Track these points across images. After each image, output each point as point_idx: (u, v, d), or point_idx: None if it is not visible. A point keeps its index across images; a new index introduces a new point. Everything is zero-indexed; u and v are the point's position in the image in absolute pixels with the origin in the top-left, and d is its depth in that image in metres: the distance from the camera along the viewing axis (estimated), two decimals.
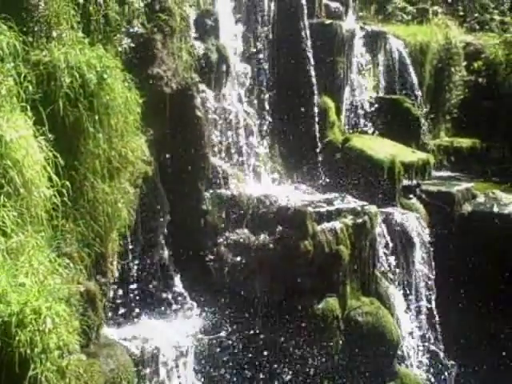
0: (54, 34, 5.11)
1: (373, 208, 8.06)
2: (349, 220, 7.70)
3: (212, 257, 6.99)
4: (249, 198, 7.31)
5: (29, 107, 4.45)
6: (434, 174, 11.08)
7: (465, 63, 14.28)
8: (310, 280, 7.26)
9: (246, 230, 7.21)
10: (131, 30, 6.07)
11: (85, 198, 5.01)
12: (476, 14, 18.39)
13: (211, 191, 7.09)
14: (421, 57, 13.07)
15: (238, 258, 7.03)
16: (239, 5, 8.30)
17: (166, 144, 6.49)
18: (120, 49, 5.85)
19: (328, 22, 9.79)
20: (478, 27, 17.51)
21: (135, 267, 6.21)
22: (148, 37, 6.21)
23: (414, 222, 9.00)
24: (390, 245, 8.48)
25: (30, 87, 4.61)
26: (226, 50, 7.55)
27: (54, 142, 4.51)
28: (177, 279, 6.71)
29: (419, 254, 8.98)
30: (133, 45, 6.01)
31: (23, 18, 4.96)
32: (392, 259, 8.53)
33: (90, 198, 5.04)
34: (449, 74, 13.91)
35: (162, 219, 6.52)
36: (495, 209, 9.98)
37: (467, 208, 10.13)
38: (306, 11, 9.11)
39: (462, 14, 18.07)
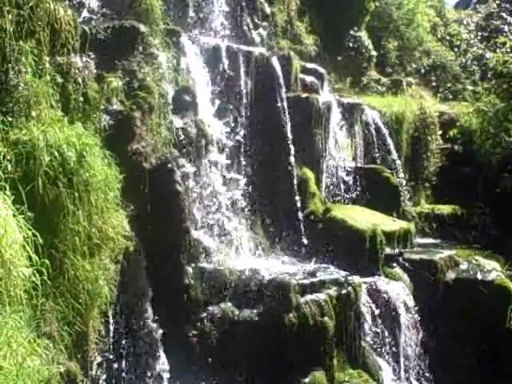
0: (34, 113, 5.14)
1: (356, 278, 8.03)
2: (333, 291, 7.66)
3: (196, 332, 6.87)
4: (231, 271, 7.27)
5: (8, 186, 4.43)
6: (417, 241, 11.14)
7: (440, 132, 14.58)
8: (296, 353, 7.15)
9: (229, 304, 7.14)
10: (110, 108, 6.15)
11: (65, 276, 4.94)
12: (449, 84, 18.92)
13: (193, 265, 7.04)
14: (397, 127, 13.33)
15: (223, 333, 6.91)
16: (217, 81, 8.47)
17: (147, 219, 6.46)
18: (99, 126, 5.89)
19: (304, 95, 9.98)
20: (451, 97, 17.99)
21: (117, 344, 6.07)
22: (127, 114, 6.28)
23: (399, 290, 8.95)
24: (376, 315, 8.40)
25: (9, 166, 4.61)
26: (205, 124, 7.64)
27: (34, 221, 4.48)
28: (160, 355, 6.57)
29: (405, 323, 8.89)
30: (112, 122, 6.06)
31: (3, 99, 5.00)
32: (378, 329, 8.43)
33: (70, 276, 4.98)
34: (425, 142, 14.18)
35: (143, 295, 6.44)
36: (479, 276, 9.99)
37: (451, 275, 10.13)
38: (283, 86, 9.30)
39: (435, 84, 18.60)
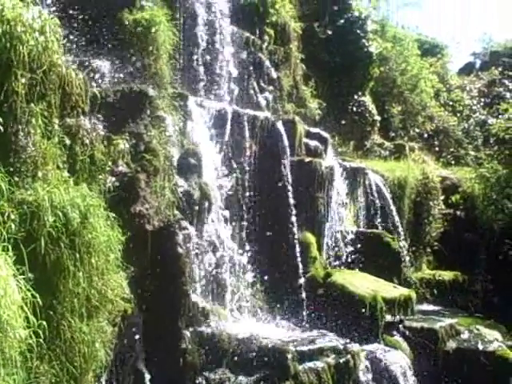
0: (40, 173, 5.17)
1: (356, 346, 7.92)
2: (331, 359, 7.54)
3: None
4: (230, 336, 7.18)
5: (10, 246, 4.43)
6: (417, 307, 11.03)
7: (443, 197, 14.65)
8: None
9: (226, 370, 7.02)
10: (116, 170, 6.19)
11: (61, 338, 4.88)
12: (451, 149, 19.12)
13: (191, 329, 6.94)
14: (399, 191, 13.40)
15: None
16: (222, 144, 8.57)
17: (147, 281, 6.44)
18: (104, 187, 5.92)
19: (308, 159, 10.07)
20: (453, 162, 18.14)
21: None
22: (132, 176, 6.33)
23: (399, 359, 8.80)
24: None
25: (13, 226, 4.62)
26: (209, 187, 7.69)
27: (34, 281, 4.46)
28: None
29: None
30: (117, 183, 6.10)
31: (10, 159, 5.04)
32: None
33: (66, 338, 4.92)
34: (427, 207, 14.22)
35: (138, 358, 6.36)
36: (480, 346, 9.88)
37: (451, 345, 10.02)
38: (287, 150, 9.39)
39: (437, 149, 18.79)
